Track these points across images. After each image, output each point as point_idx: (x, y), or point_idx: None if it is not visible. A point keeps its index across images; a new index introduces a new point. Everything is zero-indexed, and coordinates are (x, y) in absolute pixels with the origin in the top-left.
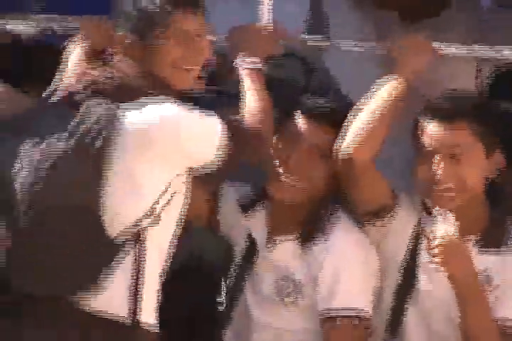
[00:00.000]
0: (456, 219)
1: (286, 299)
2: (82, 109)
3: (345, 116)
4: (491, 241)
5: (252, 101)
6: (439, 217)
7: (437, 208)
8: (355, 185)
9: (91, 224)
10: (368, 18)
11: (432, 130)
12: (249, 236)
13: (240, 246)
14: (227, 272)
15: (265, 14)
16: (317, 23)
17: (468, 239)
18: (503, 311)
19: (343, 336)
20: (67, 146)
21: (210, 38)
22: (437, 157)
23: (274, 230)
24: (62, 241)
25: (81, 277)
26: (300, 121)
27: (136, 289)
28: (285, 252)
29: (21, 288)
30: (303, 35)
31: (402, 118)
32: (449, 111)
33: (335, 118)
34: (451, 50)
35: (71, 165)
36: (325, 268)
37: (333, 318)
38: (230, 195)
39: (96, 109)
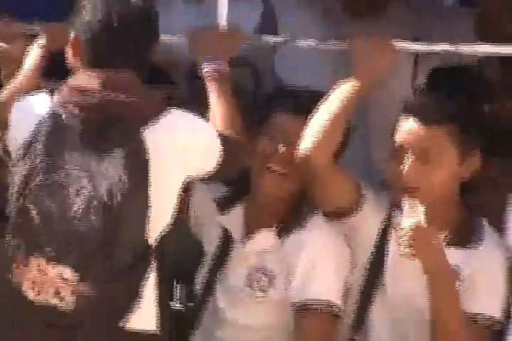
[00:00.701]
0: (426, 217)
1: (257, 292)
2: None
3: None
4: (459, 239)
5: (223, 109)
6: (407, 208)
7: (406, 199)
8: (316, 185)
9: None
10: (324, 17)
11: (407, 127)
12: (224, 232)
13: (213, 243)
14: (195, 268)
15: (221, 16)
16: (269, 24)
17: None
18: (469, 303)
19: (315, 327)
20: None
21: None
22: (408, 155)
23: (251, 225)
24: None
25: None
26: (283, 118)
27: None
28: (260, 243)
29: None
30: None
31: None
32: (427, 110)
33: (311, 111)
34: (413, 47)
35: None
36: (300, 260)
37: (305, 309)
38: (204, 193)
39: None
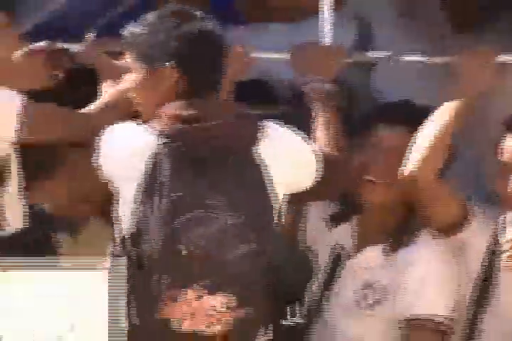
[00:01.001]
0: None
1: (365, 308)
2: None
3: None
4: None
5: (327, 127)
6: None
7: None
8: (423, 202)
9: None
10: (420, 31)
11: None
12: (334, 249)
13: (324, 260)
14: (305, 286)
15: (325, 34)
16: (366, 41)
17: None
18: None
19: None
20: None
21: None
22: None
23: (360, 241)
24: None
25: None
26: (380, 130)
27: None
28: (369, 260)
29: None
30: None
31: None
32: None
33: (410, 124)
34: None
35: None
36: (408, 277)
37: (416, 325)
38: (314, 211)
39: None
